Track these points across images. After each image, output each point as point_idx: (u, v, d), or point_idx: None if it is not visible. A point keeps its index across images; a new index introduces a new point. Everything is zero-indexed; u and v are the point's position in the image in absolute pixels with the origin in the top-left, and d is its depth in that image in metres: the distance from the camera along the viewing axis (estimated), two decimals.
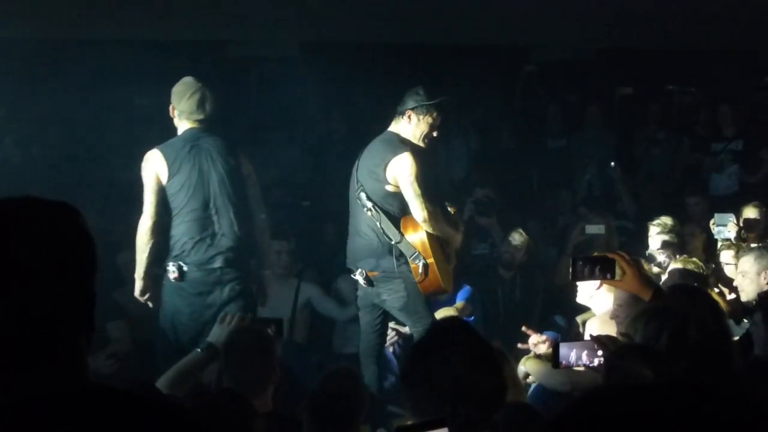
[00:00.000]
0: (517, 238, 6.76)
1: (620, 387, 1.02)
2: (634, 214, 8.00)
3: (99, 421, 1.40)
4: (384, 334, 5.33)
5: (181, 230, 4.86)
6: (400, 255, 4.92)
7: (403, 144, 4.92)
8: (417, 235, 4.90)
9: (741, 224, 6.18)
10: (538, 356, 4.32)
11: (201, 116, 4.92)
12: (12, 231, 1.43)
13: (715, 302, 3.67)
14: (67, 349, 1.44)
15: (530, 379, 4.33)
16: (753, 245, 5.44)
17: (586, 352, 3.19)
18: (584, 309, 4.91)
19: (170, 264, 4.86)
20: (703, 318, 3.08)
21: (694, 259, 5.34)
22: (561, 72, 10.10)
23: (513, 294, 6.83)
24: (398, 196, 4.92)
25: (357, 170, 5.05)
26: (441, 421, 2.01)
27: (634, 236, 7.19)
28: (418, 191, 4.83)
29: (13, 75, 7.84)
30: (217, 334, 3.92)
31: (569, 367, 3.28)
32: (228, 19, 8.21)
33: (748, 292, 4.87)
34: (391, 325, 5.62)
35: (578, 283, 4.46)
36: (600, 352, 3.13)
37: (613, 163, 8.40)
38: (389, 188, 4.90)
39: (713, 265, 5.73)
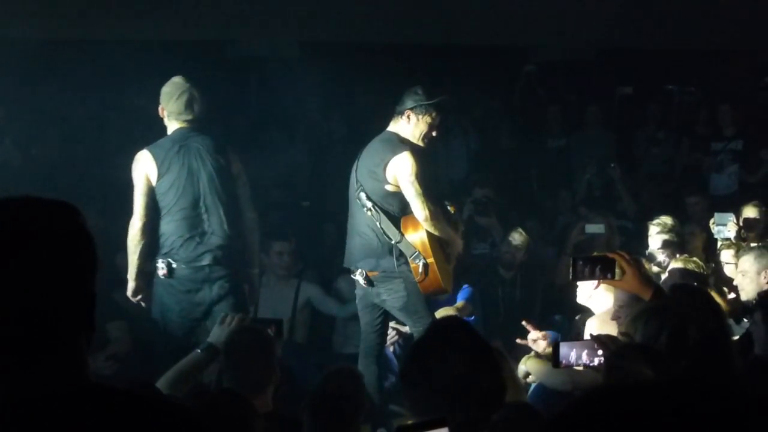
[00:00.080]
0: (517, 237, 6.76)
1: (621, 385, 1.02)
2: (634, 213, 8.00)
3: (99, 420, 1.40)
4: (384, 334, 5.33)
5: (170, 228, 4.93)
6: (400, 255, 4.92)
7: (403, 143, 4.92)
8: (417, 235, 4.90)
9: (741, 224, 6.19)
10: (538, 355, 4.32)
11: (190, 116, 4.98)
12: (12, 231, 1.43)
13: (715, 302, 3.67)
14: (67, 348, 1.44)
15: (531, 378, 4.33)
16: (753, 244, 5.44)
17: (586, 351, 3.20)
18: (584, 309, 4.91)
19: (159, 261, 4.93)
20: (703, 317, 3.08)
21: (695, 258, 5.34)
22: (561, 72, 10.10)
23: (513, 294, 6.83)
24: (398, 196, 4.92)
25: (356, 170, 5.04)
26: (441, 420, 2.01)
27: (634, 236, 7.19)
28: (419, 190, 4.83)
29: (13, 75, 7.84)
30: (217, 334, 3.92)
31: (569, 366, 3.28)
32: (228, 19, 8.22)
33: (748, 291, 4.87)
34: (392, 324, 5.62)
35: (578, 283, 4.46)
36: (600, 352, 3.13)
37: (613, 164, 8.41)
38: (389, 188, 4.90)
39: (713, 265, 5.73)
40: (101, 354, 5.37)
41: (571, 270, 3.52)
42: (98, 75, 8.40)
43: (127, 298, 5.14)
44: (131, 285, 4.97)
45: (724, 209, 6.35)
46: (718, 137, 8.66)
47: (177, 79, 5.00)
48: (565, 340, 3.47)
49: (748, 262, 4.92)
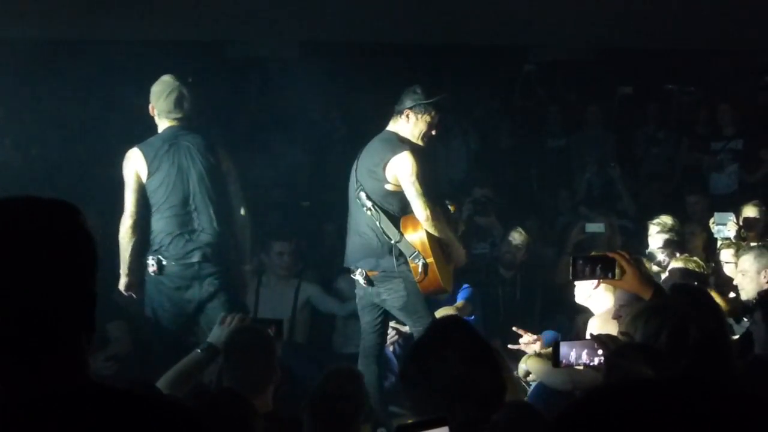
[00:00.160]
0: (517, 237, 6.76)
1: (622, 385, 1.02)
2: (634, 213, 8.01)
3: (100, 420, 1.40)
4: (384, 334, 5.33)
5: (160, 225, 4.98)
6: (400, 254, 4.92)
7: (403, 143, 4.92)
8: (417, 235, 4.90)
9: (741, 223, 6.19)
10: (538, 355, 4.32)
11: (179, 115, 5.03)
12: (12, 230, 1.43)
13: (715, 301, 3.68)
14: (67, 349, 1.44)
15: (531, 377, 4.33)
16: (753, 244, 5.45)
17: (586, 351, 3.19)
18: (584, 309, 4.91)
19: (150, 258, 4.99)
20: (703, 317, 3.08)
21: (695, 258, 5.35)
22: (561, 72, 10.10)
23: (513, 293, 6.84)
24: (398, 196, 4.92)
25: (356, 170, 5.04)
26: (442, 419, 2.01)
27: (634, 235, 7.19)
28: (420, 190, 4.83)
29: (13, 75, 7.84)
30: (217, 334, 3.92)
31: (569, 366, 3.28)
32: (228, 19, 8.21)
33: (748, 290, 4.87)
34: (392, 324, 5.63)
35: (576, 284, 4.46)
36: (600, 351, 3.13)
37: (613, 163, 8.41)
38: (389, 187, 4.90)
39: (713, 264, 5.73)
40: (101, 354, 5.38)
41: (571, 269, 3.52)
42: (98, 75, 8.40)
43: (127, 298, 5.19)
44: (123, 280, 5.04)
45: (724, 209, 6.35)
46: (717, 137, 8.66)
47: (166, 78, 5.05)
48: (565, 340, 3.47)
49: (748, 261, 4.93)
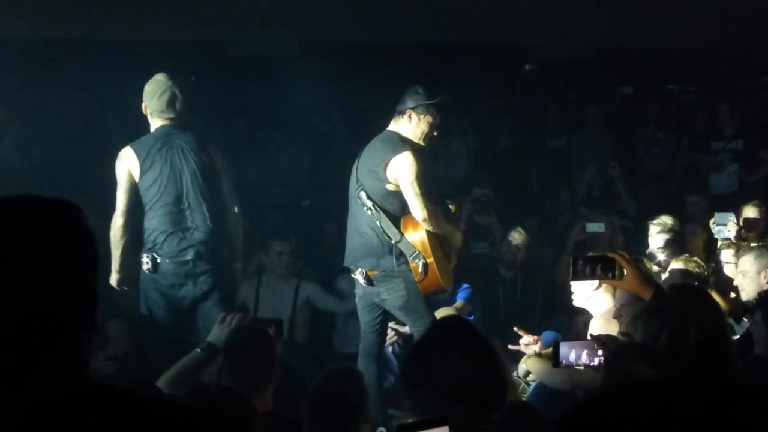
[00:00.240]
0: (517, 237, 6.76)
1: (625, 385, 1.01)
2: (634, 213, 8.00)
3: (101, 419, 1.40)
4: (384, 334, 5.33)
5: (153, 224, 5.01)
6: (400, 254, 4.92)
7: (404, 143, 4.92)
8: (417, 235, 4.90)
9: (741, 223, 6.18)
10: (538, 355, 4.32)
11: (172, 114, 5.05)
12: (13, 229, 1.42)
13: (715, 301, 3.67)
14: (68, 348, 1.44)
15: (531, 377, 4.33)
16: (753, 244, 5.44)
17: (586, 351, 3.19)
18: (584, 309, 4.90)
19: (144, 256, 5.01)
20: (704, 317, 3.08)
21: (695, 258, 5.35)
22: (561, 72, 10.11)
23: (514, 293, 6.83)
24: (398, 195, 4.92)
25: (357, 169, 5.04)
26: (442, 419, 2.01)
27: (634, 235, 7.19)
28: (418, 190, 4.82)
29: (13, 75, 7.84)
30: (217, 334, 3.92)
31: (569, 366, 3.28)
32: (228, 18, 8.21)
33: (748, 291, 4.87)
34: (391, 325, 5.62)
35: (574, 287, 4.43)
36: (600, 352, 3.13)
37: (613, 162, 8.41)
38: (390, 187, 4.90)
39: (713, 265, 5.73)
40: (101, 353, 5.39)
41: (571, 269, 3.52)
42: (98, 75, 8.40)
43: (127, 297, 5.24)
44: (115, 276, 5.06)
45: (724, 209, 6.34)
46: (717, 137, 8.66)
47: (159, 77, 5.07)
48: (565, 340, 3.46)
49: (748, 261, 4.92)
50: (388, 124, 5.08)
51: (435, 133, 5.06)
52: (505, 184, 8.43)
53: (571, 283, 4.30)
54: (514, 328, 4.56)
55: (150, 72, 5.14)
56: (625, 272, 3.41)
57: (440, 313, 5.33)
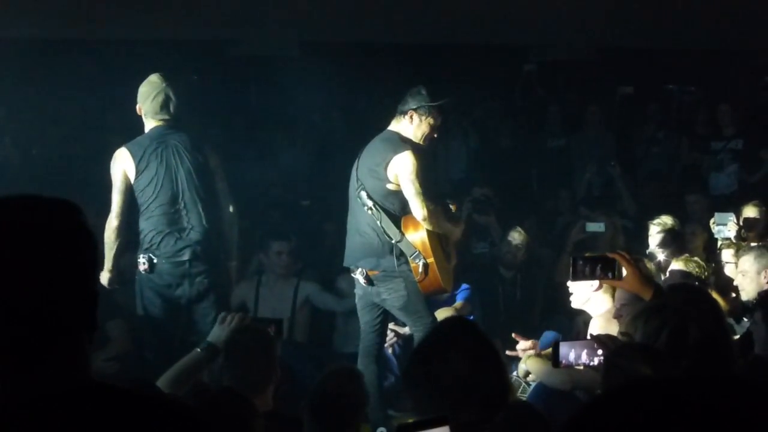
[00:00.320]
0: (517, 237, 6.76)
1: (627, 386, 1.01)
2: (634, 213, 8.00)
3: (101, 419, 1.40)
4: (384, 334, 5.33)
5: (149, 224, 5.01)
6: (401, 254, 4.91)
7: (404, 143, 4.92)
8: (417, 235, 4.90)
9: (741, 223, 6.18)
10: (538, 355, 4.32)
11: (166, 116, 5.06)
12: (13, 229, 1.42)
13: (716, 301, 3.67)
14: (69, 348, 1.44)
15: (531, 377, 4.33)
16: (753, 244, 5.44)
17: (586, 351, 3.19)
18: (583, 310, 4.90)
19: (141, 256, 5.02)
20: (703, 316, 3.08)
21: (695, 258, 5.34)
22: (561, 72, 10.10)
23: (514, 293, 6.83)
24: (399, 195, 4.92)
25: (357, 169, 5.04)
26: (442, 419, 2.01)
27: (634, 235, 7.18)
28: (419, 190, 4.83)
29: (13, 75, 7.84)
30: (217, 333, 3.92)
31: (569, 366, 3.28)
32: (228, 18, 8.21)
33: (748, 291, 4.87)
34: (391, 326, 5.62)
35: (572, 288, 4.43)
36: (600, 351, 3.13)
37: (613, 163, 8.41)
38: (390, 187, 4.90)
39: (713, 265, 5.73)
40: (101, 354, 5.39)
41: (571, 269, 3.52)
42: (98, 75, 8.40)
43: (128, 297, 5.23)
44: (106, 275, 5.05)
45: (724, 209, 6.34)
46: (717, 137, 8.65)
47: (154, 78, 5.07)
48: (565, 340, 3.46)
49: (748, 261, 4.92)
50: (388, 124, 5.08)
51: (435, 135, 5.06)
52: (505, 184, 8.43)
53: (569, 284, 4.30)
54: (513, 335, 4.53)
55: (150, 72, 5.15)
56: (625, 272, 3.41)
57: (440, 313, 5.33)
